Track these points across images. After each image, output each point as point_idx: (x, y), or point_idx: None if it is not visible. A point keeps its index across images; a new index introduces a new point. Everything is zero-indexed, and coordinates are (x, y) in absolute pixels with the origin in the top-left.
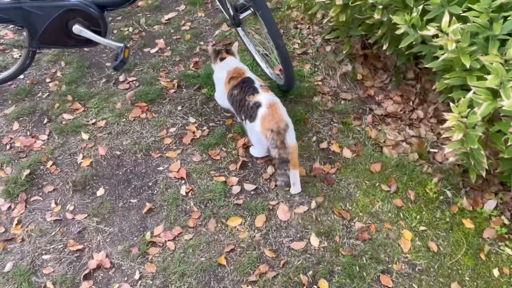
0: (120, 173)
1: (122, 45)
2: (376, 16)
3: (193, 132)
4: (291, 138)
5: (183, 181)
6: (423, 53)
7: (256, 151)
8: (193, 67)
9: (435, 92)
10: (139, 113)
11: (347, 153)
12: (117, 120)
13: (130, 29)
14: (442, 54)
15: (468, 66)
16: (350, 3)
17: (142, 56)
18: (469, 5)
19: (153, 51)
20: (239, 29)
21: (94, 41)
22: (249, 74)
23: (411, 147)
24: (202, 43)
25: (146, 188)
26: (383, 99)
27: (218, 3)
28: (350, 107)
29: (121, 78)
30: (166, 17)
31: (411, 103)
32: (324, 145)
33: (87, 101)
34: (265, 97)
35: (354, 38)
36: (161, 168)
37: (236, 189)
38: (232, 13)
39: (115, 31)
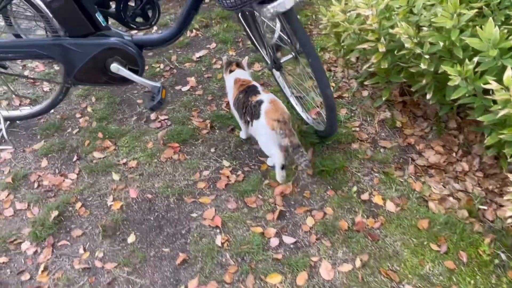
0: (152, 218)
1: (159, 85)
2: (423, 66)
3: (227, 177)
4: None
5: (218, 230)
6: (474, 105)
7: (275, 162)
8: (225, 107)
9: (483, 145)
10: (171, 154)
11: (390, 206)
12: (149, 160)
13: (161, 65)
14: (500, 109)
15: None
16: (395, 52)
17: (173, 94)
18: None
19: (184, 89)
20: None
21: (130, 79)
22: (254, 83)
23: (459, 203)
24: None
25: (179, 236)
26: (424, 148)
27: (256, 45)
28: (391, 156)
29: (153, 116)
30: (197, 54)
31: (454, 154)
32: (365, 196)
33: (118, 139)
34: (266, 96)
35: (393, 85)
36: (194, 215)
37: (274, 241)
38: (272, 57)
39: (146, 67)
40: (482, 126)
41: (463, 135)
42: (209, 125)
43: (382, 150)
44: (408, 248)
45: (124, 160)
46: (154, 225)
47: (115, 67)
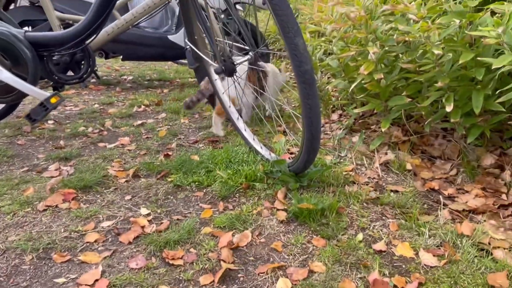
0: None
1: (49, 94)
2: (435, 51)
3: (142, 227)
4: None
5: None
6: None
7: None
8: (163, 158)
9: None
10: (58, 202)
11: (427, 258)
12: (16, 209)
13: (90, 129)
14: None
15: None
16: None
17: (94, 149)
18: None
19: (110, 146)
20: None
21: (13, 87)
22: None
23: None
24: (182, 137)
25: None
26: (456, 193)
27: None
28: (408, 200)
29: (53, 167)
30: (139, 122)
31: (504, 196)
32: (380, 246)
33: None
34: None
35: (393, 114)
36: (61, 280)
37: None
38: (221, 54)
39: (68, 130)
40: None
41: (510, 171)
42: (131, 173)
43: (393, 194)
44: None
45: None
46: None
47: None
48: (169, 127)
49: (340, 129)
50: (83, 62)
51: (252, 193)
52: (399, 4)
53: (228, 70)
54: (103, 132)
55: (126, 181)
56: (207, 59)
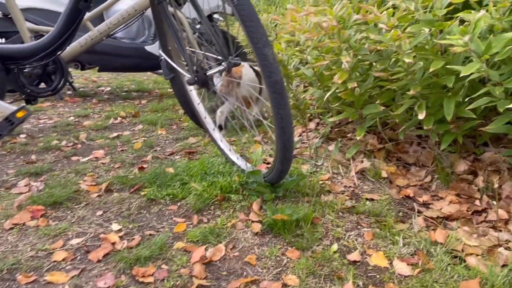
0: None
1: (16, 108)
2: (407, 60)
3: (113, 244)
4: None
5: None
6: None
7: None
8: (137, 171)
9: None
10: (26, 219)
11: (401, 267)
12: None
13: (63, 142)
14: None
15: None
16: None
17: (66, 163)
18: None
19: (84, 159)
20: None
21: None
22: None
23: None
24: (158, 148)
25: None
26: (430, 200)
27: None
28: (383, 208)
29: (22, 182)
30: (115, 134)
31: (477, 202)
32: (355, 256)
33: None
34: None
35: (368, 122)
36: None
37: None
38: (194, 62)
39: (40, 144)
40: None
41: (482, 177)
42: (104, 187)
43: (368, 202)
44: None
45: None
46: None
47: None
48: (145, 138)
49: (317, 137)
50: (56, 74)
51: (227, 205)
52: (370, 13)
53: (201, 81)
54: (77, 146)
55: (98, 195)
56: (180, 69)
